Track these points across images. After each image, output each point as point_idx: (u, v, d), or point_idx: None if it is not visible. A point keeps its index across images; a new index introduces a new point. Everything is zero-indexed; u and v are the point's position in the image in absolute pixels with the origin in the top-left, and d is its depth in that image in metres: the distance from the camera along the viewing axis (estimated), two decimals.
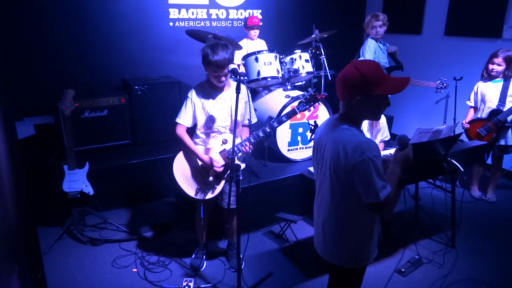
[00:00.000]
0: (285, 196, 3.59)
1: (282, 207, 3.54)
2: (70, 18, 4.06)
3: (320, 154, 1.81)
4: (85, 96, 3.84)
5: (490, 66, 3.70)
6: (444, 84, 4.24)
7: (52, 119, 3.90)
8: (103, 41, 4.26)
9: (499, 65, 3.65)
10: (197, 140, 2.78)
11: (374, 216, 1.78)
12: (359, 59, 4.06)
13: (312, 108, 2.74)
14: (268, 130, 2.66)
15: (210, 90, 2.71)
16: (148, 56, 4.53)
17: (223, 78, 2.59)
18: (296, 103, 2.73)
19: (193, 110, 2.70)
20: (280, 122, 2.70)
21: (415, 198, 3.61)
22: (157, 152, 3.89)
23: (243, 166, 2.84)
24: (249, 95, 2.84)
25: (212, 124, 2.71)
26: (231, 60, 2.54)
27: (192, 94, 2.70)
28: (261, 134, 2.65)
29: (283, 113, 3.25)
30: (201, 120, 2.71)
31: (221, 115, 2.70)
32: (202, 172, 2.74)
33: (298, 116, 3.84)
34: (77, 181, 3.20)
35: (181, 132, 2.71)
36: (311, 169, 3.61)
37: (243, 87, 2.73)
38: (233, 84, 2.76)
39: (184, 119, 2.70)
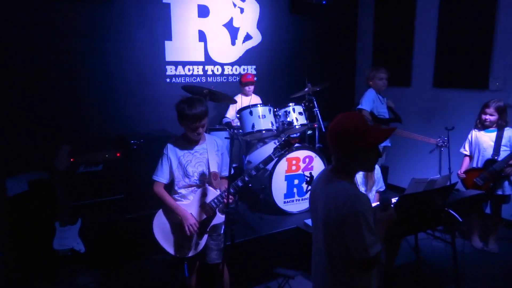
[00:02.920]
0: (282, 250, 3.51)
1: (279, 261, 3.44)
2: (68, 74, 4.17)
3: (315, 206, 1.81)
4: (81, 151, 3.84)
5: (483, 117, 3.77)
6: (445, 143, 4.24)
7: (46, 175, 3.89)
8: (100, 97, 4.35)
9: (491, 115, 3.73)
10: (176, 196, 2.75)
11: (370, 273, 1.72)
12: (359, 106, 4.18)
13: (287, 153, 2.76)
14: (246, 178, 2.66)
15: (185, 144, 2.72)
16: (145, 111, 4.62)
17: (201, 130, 2.62)
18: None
19: (169, 166, 2.69)
20: (258, 170, 2.70)
21: (416, 250, 3.53)
22: (152, 206, 3.79)
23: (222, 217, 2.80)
24: (243, 146, 2.87)
25: (190, 179, 2.70)
26: (207, 112, 2.60)
27: (168, 150, 2.72)
28: (239, 183, 2.65)
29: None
30: (178, 176, 2.70)
31: (198, 169, 2.70)
32: (183, 228, 2.68)
33: (294, 168, 3.86)
34: (69, 238, 3.12)
35: (159, 190, 2.70)
36: (308, 221, 3.56)
37: (217, 139, 2.78)
38: (208, 137, 2.80)
39: (161, 176, 2.70)
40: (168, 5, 4.65)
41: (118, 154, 4.00)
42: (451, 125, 4.17)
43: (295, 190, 3.91)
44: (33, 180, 3.74)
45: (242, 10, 5.16)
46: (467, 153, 3.98)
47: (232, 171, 2.84)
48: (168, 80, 4.77)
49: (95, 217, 3.62)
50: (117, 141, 4.39)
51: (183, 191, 2.73)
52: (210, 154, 2.73)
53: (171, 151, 2.71)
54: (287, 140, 2.70)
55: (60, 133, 4.09)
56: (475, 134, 3.89)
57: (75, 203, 3.72)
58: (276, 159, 2.73)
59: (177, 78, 4.82)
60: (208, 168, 2.71)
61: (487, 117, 3.74)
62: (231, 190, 2.62)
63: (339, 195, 1.63)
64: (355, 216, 1.56)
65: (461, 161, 4.05)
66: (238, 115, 4.12)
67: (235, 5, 5.11)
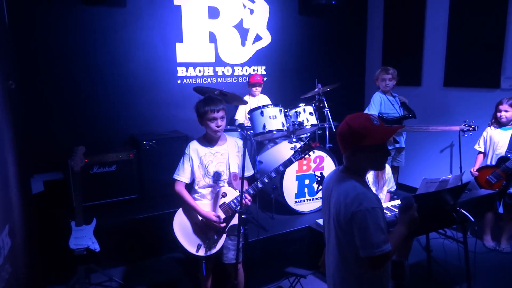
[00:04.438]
0: (293, 249, 3.53)
1: (291, 261, 3.47)
2: (82, 77, 4.25)
3: (327, 206, 1.84)
4: (94, 152, 3.91)
5: (498, 114, 3.78)
6: (472, 126, 4.07)
7: (61, 175, 3.96)
8: (113, 98, 4.43)
9: (506, 111, 3.72)
10: (196, 196, 2.79)
11: (381, 271, 1.74)
12: (364, 111, 4.19)
13: (308, 156, 2.79)
14: (266, 180, 2.69)
15: (207, 145, 2.76)
16: (157, 112, 4.68)
17: (220, 122, 2.65)
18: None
19: (191, 166, 2.73)
20: (277, 172, 2.73)
21: (427, 249, 3.53)
22: (164, 206, 3.88)
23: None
24: (255, 147, 2.90)
25: (211, 178, 2.73)
26: (224, 108, 2.66)
27: (189, 150, 2.75)
28: (259, 185, 2.68)
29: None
30: (199, 175, 2.74)
31: (219, 169, 2.74)
32: (203, 228, 2.73)
33: (304, 168, 3.88)
34: (84, 237, 3.18)
35: (180, 189, 2.74)
36: (319, 221, 3.58)
37: (238, 140, 2.81)
38: (229, 138, 2.84)
39: (182, 175, 2.73)
40: (179, 7, 4.70)
41: (131, 155, 4.06)
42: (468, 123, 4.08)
43: (306, 190, 3.92)
44: (49, 181, 3.82)
45: (252, 11, 5.19)
46: (482, 149, 3.97)
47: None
48: (179, 81, 4.82)
49: (109, 217, 3.68)
50: (130, 142, 4.46)
51: (203, 190, 2.76)
52: (231, 155, 2.76)
53: (193, 151, 2.74)
54: (308, 143, 2.72)
55: (75, 135, 4.16)
56: (490, 131, 3.88)
57: (90, 203, 3.79)
58: (295, 161, 2.76)
59: (188, 79, 4.87)
60: (229, 169, 2.75)
61: (502, 114, 3.74)
62: (251, 191, 2.66)
63: (348, 194, 1.67)
64: (362, 214, 1.61)
65: (474, 160, 4.03)
66: (249, 116, 4.15)
67: (245, 6, 5.14)
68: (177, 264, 3.76)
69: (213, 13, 4.93)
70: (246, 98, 4.71)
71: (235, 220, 2.71)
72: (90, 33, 4.23)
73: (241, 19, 5.13)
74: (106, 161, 3.93)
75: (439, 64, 5.07)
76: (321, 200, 4.05)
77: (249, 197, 2.63)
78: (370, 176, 3.22)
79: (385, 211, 2.78)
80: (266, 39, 5.35)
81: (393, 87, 4.26)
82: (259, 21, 5.26)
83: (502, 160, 3.74)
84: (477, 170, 3.91)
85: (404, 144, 4.40)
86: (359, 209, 1.61)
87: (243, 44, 5.20)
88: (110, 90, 4.41)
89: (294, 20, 5.52)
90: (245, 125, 4.45)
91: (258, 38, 5.29)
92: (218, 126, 2.66)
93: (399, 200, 3.07)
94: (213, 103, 2.63)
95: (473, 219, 2.75)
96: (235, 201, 2.70)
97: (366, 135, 1.68)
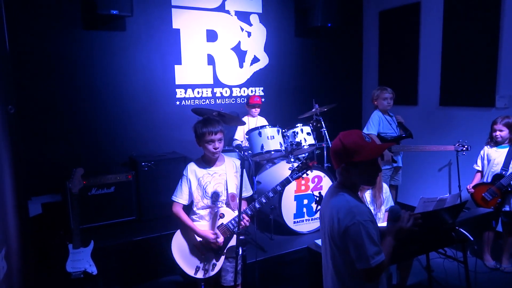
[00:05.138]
0: (293, 270, 3.49)
1: (290, 282, 3.43)
2: (80, 98, 4.28)
3: (323, 223, 1.87)
4: (93, 173, 3.92)
5: (494, 134, 3.81)
6: (465, 146, 4.09)
7: (60, 197, 3.94)
8: (112, 120, 4.46)
9: (501, 130, 3.76)
10: (194, 217, 2.78)
11: (377, 284, 1.75)
12: (363, 130, 4.21)
13: (305, 175, 2.79)
14: (264, 200, 2.68)
15: (205, 166, 2.77)
16: (155, 133, 4.70)
17: (217, 144, 2.66)
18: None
19: (189, 187, 2.74)
20: (275, 192, 2.73)
21: (428, 269, 3.49)
22: (162, 228, 3.86)
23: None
24: (252, 167, 2.91)
25: (209, 200, 2.73)
26: (222, 130, 2.68)
27: (188, 171, 2.76)
28: (257, 205, 2.67)
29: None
30: (197, 196, 2.74)
31: (217, 190, 2.74)
32: (201, 249, 2.71)
33: (303, 187, 3.87)
34: (81, 260, 3.15)
35: (178, 210, 2.74)
36: (318, 241, 3.55)
37: (236, 161, 2.82)
38: (227, 159, 2.85)
39: (180, 197, 2.74)
40: (178, 31, 4.79)
41: (129, 176, 4.06)
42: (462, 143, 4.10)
43: (304, 210, 3.91)
44: (47, 203, 3.80)
45: (249, 34, 5.28)
46: (479, 168, 3.98)
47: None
48: (178, 102, 4.86)
49: (107, 239, 3.65)
50: (128, 164, 4.46)
51: (201, 211, 2.76)
52: (229, 175, 2.77)
53: (191, 173, 2.75)
54: (305, 162, 2.73)
55: (73, 157, 4.16)
56: (487, 150, 3.91)
57: (88, 225, 3.76)
58: (292, 180, 2.77)
59: (186, 101, 4.91)
60: (227, 190, 2.75)
61: (497, 133, 3.77)
62: (249, 212, 2.65)
63: (341, 208, 1.71)
64: (356, 227, 1.64)
65: (472, 178, 4.04)
66: (247, 136, 4.17)
67: (242, 29, 5.23)
68: (176, 287, 3.70)
69: (211, 36, 5.02)
70: (245, 119, 4.74)
71: (233, 241, 2.70)
72: (89, 57, 4.29)
73: (239, 42, 5.22)
74: (104, 182, 3.92)
75: (434, 83, 5.13)
76: (319, 220, 4.04)
77: (247, 218, 2.62)
78: (367, 195, 3.22)
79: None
80: (264, 60, 5.43)
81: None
82: (256, 44, 5.35)
83: (497, 177, 3.75)
84: (473, 187, 3.91)
85: (401, 163, 4.42)
86: (353, 222, 1.64)
87: (241, 66, 5.27)
88: (109, 112, 4.44)
89: (291, 42, 5.61)
90: (244, 145, 4.48)
91: (255, 60, 5.37)
92: (215, 148, 2.67)
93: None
94: (211, 125, 2.65)
95: (472, 238, 2.74)
96: (233, 222, 2.69)
97: (358, 151, 1.73)
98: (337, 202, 1.76)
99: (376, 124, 4.19)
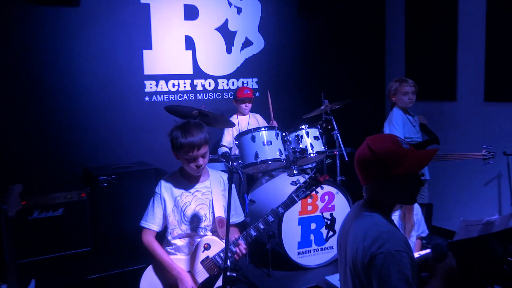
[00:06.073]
0: None
1: None
2: (19, 93, 4.24)
3: (343, 251, 1.84)
4: (35, 191, 3.88)
5: None
6: (491, 154, 4.23)
7: None
8: (61, 121, 4.42)
9: None
10: (169, 249, 2.76)
11: None
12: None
13: (315, 193, 2.78)
14: (262, 226, 2.67)
15: (183, 182, 2.76)
16: (118, 138, 4.67)
17: (201, 161, 2.63)
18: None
19: (163, 209, 2.72)
20: (276, 215, 2.72)
21: None
22: (127, 262, 3.82)
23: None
24: (244, 182, 2.89)
25: (189, 226, 2.71)
26: (207, 139, 2.65)
27: (161, 188, 2.74)
28: (253, 233, 2.66)
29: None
30: (173, 222, 2.72)
31: (200, 213, 2.72)
32: None
33: (310, 208, 3.85)
34: None
35: (149, 240, 2.71)
36: (331, 278, 3.52)
37: (224, 175, 2.80)
38: (212, 173, 2.85)
39: (151, 221, 2.72)
40: (147, 6, 4.78)
41: (83, 195, 4.03)
42: (511, 149, 4.14)
43: (312, 237, 3.88)
44: None
45: (239, 10, 5.29)
46: None
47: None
48: (147, 98, 4.84)
49: (53, 278, 3.60)
50: (83, 178, 4.42)
51: (178, 241, 2.74)
52: (214, 194, 2.76)
53: (166, 190, 2.74)
54: (315, 177, 2.72)
55: (9, 170, 4.10)
56: None
57: (28, 259, 3.71)
58: (298, 200, 2.75)
59: (158, 96, 4.88)
60: (213, 213, 2.74)
61: None
62: (243, 242, 2.63)
63: (369, 233, 1.67)
64: (384, 257, 1.58)
65: None
66: (236, 142, 4.14)
67: (230, 4, 5.24)
68: None
69: (191, 12, 5.01)
70: (234, 118, 4.72)
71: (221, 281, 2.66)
72: (32, 40, 4.25)
73: (226, 20, 5.22)
74: (50, 203, 3.89)
75: (478, 74, 5.14)
76: (331, 250, 4.02)
77: (243, 245, 2.61)
78: (394, 218, 3.20)
79: None
80: (258, 44, 5.43)
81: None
82: (248, 22, 5.35)
83: None
84: None
85: (429, 175, 4.39)
86: (381, 251, 1.59)
87: (229, 51, 5.27)
88: (58, 111, 4.40)
89: (293, 21, 5.62)
90: (233, 153, 4.46)
91: (247, 43, 5.37)
92: (198, 166, 2.65)
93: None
94: (191, 134, 2.59)
95: None
96: (222, 254, 2.65)
97: (396, 162, 1.70)
98: (364, 224, 1.73)
99: (401, 125, 4.17)
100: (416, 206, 3.29)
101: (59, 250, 3.92)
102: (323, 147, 4.19)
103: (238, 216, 2.86)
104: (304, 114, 4.69)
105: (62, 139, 4.42)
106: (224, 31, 5.22)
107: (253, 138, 3.97)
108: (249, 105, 4.77)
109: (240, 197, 4.21)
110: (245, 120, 4.76)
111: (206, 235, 2.73)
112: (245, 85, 5.36)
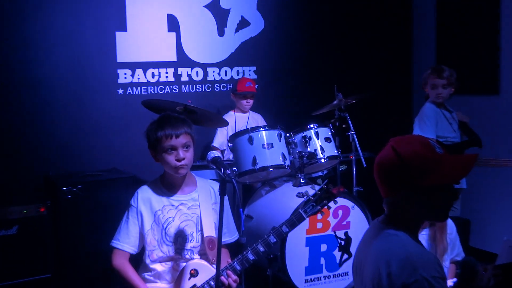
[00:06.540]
0: None
1: None
2: None
3: (359, 277, 1.85)
4: None
5: None
6: None
7: None
8: (15, 120, 4.42)
9: None
10: (147, 275, 2.75)
11: None
12: (414, 132, 4.19)
13: (327, 207, 2.78)
14: (261, 249, 2.66)
15: (165, 192, 2.76)
16: (85, 141, 4.67)
17: (182, 153, 2.62)
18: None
19: (139, 226, 2.72)
20: (279, 235, 2.71)
21: None
22: None
23: None
24: (239, 193, 2.89)
25: (172, 246, 2.71)
26: (190, 132, 2.65)
27: (138, 200, 2.74)
28: (250, 257, 2.65)
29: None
30: (152, 242, 2.71)
31: (186, 231, 2.72)
32: None
33: (319, 225, 3.84)
34: None
35: (121, 263, 2.71)
36: None
37: (215, 185, 2.79)
38: (200, 182, 2.84)
39: (125, 241, 2.71)
40: None
41: (42, 209, 4.01)
42: None
43: (322, 261, 3.88)
44: None
45: None
46: None
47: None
48: (121, 91, 4.84)
49: None
50: (42, 188, 4.42)
51: (159, 266, 2.73)
52: (203, 208, 2.76)
53: (143, 203, 2.73)
54: (326, 189, 2.72)
55: None
56: None
57: None
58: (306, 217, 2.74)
59: (134, 89, 4.89)
60: (201, 231, 2.74)
61: None
62: (238, 267, 2.62)
63: (393, 255, 1.67)
64: (420, 286, 1.58)
65: None
66: (230, 144, 4.13)
67: None
68: None
69: None
70: (230, 116, 4.72)
71: None
72: None
73: None
74: (1, 219, 3.87)
75: None
76: (347, 277, 4.01)
77: (234, 276, 2.59)
78: (422, 238, 3.19)
79: None
80: (256, 25, 5.45)
81: (449, 97, 4.28)
82: None
83: None
84: None
85: (465, 183, 4.38)
86: (415, 279, 1.59)
87: (221, 33, 5.28)
88: (13, 108, 4.41)
89: None
90: (226, 158, 4.44)
91: (243, 23, 5.39)
92: (179, 160, 2.63)
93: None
94: (170, 124, 2.62)
95: None
96: (212, 283, 2.64)
97: (428, 169, 1.69)
98: (387, 246, 1.73)
99: (433, 122, 4.17)
100: (450, 224, 3.27)
101: (13, 277, 3.89)
102: (336, 151, 4.19)
103: (230, 235, 2.85)
104: (313, 111, 4.68)
105: (17, 141, 4.43)
106: (215, 8, 5.23)
107: (250, 140, 3.96)
108: (251, 101, 4.77)
109: (234, 211, 4.21)
110: (243, 119, 4.75)
111: (193, 258, 2.73)
112: (241, 75, 5.35)
